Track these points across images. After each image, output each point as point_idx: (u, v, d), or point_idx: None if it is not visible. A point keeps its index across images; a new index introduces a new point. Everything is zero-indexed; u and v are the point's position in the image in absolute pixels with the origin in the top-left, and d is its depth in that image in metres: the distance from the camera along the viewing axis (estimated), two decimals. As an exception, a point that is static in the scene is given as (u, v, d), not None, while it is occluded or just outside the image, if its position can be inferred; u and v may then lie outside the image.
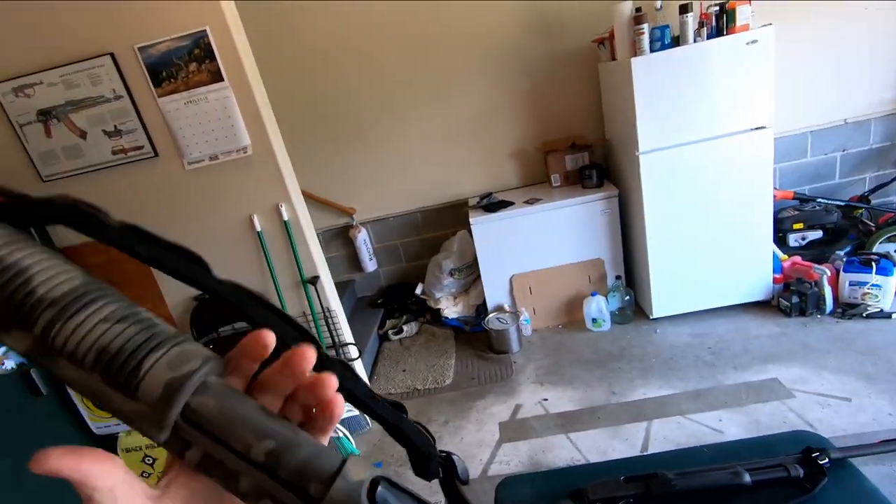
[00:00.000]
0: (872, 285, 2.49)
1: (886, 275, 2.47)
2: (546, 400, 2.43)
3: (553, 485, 1.14)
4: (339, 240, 3.56)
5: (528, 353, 2.86)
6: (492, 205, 2.98)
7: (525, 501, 1.12)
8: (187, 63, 2.08)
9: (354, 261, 3.56)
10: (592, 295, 2.88)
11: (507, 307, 3.07)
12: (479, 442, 2.25)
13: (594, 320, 2.90)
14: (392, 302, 3.52)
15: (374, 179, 3.40)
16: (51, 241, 2.29)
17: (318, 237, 3.49)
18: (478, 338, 3.09)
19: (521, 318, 2.97)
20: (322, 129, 3.28)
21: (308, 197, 3.21)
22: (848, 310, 2.54)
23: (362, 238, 3.42)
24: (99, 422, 2.14)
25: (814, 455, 1.02)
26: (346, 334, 2.50)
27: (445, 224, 3.47)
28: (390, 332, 3.30)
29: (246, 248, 2.28)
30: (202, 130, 2.14)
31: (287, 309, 2.32)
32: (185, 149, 2.15)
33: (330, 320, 2.38)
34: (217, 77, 2.07)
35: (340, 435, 2.31)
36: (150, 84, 2.09)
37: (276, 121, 2.26)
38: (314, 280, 2.30)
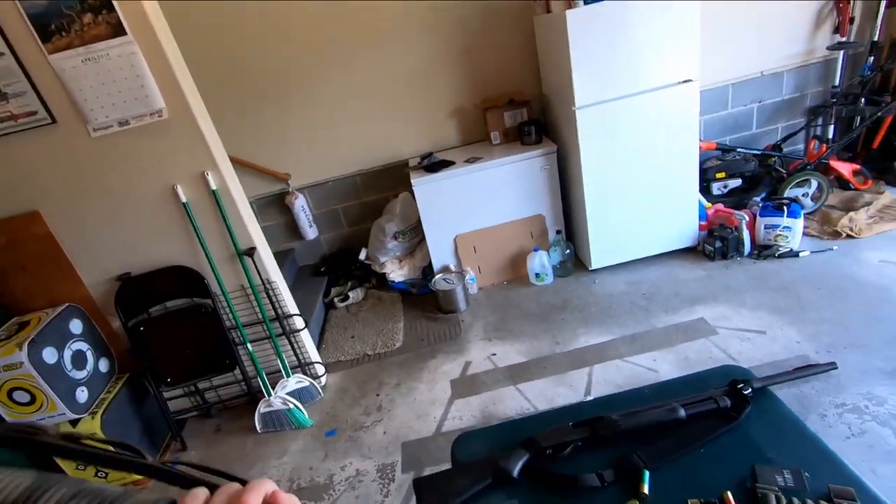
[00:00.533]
0: (784, 227, 2.71)
1: (795, 217, 2.70)
2: (495, 355, 2.50)
3: (506, 436, 1.18)
4: (276, 207, 3.39)
5: (475, 311, 2.91)
6: (433, 165, 2.93)
7: (480, 454, 1.15)
8: (80, 14, 1.82)
9: (293, 229, 3.42)
10: (535, 250, 2.95)
11: (452, 267, 3.08)
12: (431, 400, 2.29)
13: (537, 275, 2.99)
14: (336, 269, 3.44)
15: (308, 143, 3.23)
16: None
17: (252, 206, 3.31)
18: (425, 299, 3.10)
19: (467, 277, 3.00)
20: (248, 93, 3.05)
21: (238, 164, 3.02)
22: (763, 251, 2.77)
23: (300, 204, 3.27)
24: (16, 417, 1.97)
25: (739, 387, 1.11)
26: (290, 305, 2.42)
27: (386, 186, 3.39)
28: (336, 299, 3.24)
29: (171, 221, 2.11)
30: (107, 92, 1.91)
31: (224, 283, 2.20)
32: (88, 113, 1.92)
33: (271, 292, 2.29)
34: (118, 30, 1.84)
35: (291, 406, 2.28)
36: (38, 39, 1.82)
37: (196, 84, 2.05)
38: (250, 251, 2.19)
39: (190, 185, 2.06)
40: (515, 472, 1.05)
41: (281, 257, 3.33)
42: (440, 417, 2.18)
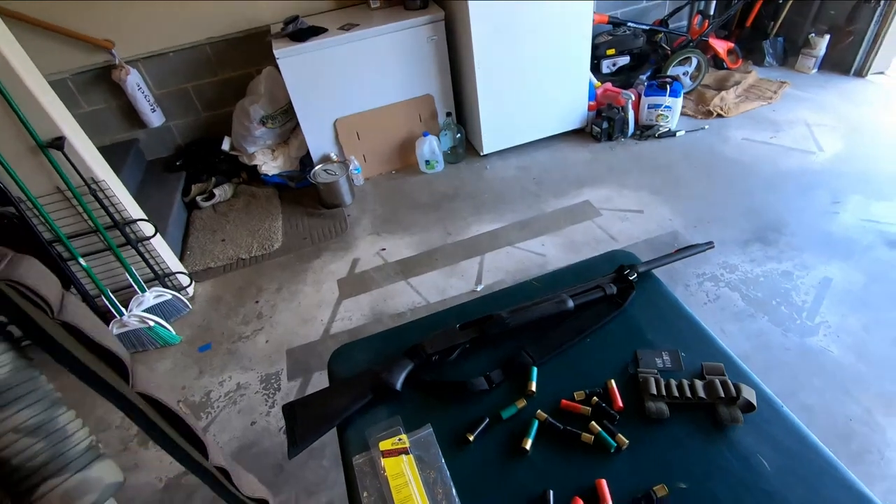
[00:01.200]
0: (665, 107, 2.75)
1: (676, 96, 2.74)
2: (384, 250, 2.36)
3: (388, 345, 1.06)
4: (103, 86, 2.69)
5: (361, 204, 2.69)
6: (300, 31, 2.44)
7: (360, 366, 1.03)
8: None
9: (132, 114, 2.78)
10: (424, 135, 2.71)
11: (334, 157, 2.76)
12: (318, 303, 2.13)
13: (427, 162, 2.79)
14: (195, 163, 2.92)
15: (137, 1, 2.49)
16: None
17: (68, 84, 2.60)
18: (305, 193, 2.79)
19: (351, 167, 2.72)
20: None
21: (26, 22, 2.27)
22: (645, 131, 2.82)
23: (133, 82, 2.62)
24: None
25: (625, 273, 1.08)
26: (132, 209, 2.00)
27: (247, 60, 2.82)
28: (199, 198, 2.79)
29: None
30: None
31: (25, 186, 1.72)
32: None
33: (100, 194, 1.84)
34: None
35: (152, 324, 1.99)
36: None
37: None
38: (58, 143, 1.69)
39: (-64, 48, 1.46)
40: (398, 385, 0.95)
41: (120, 150, 2.74)
42: (328, 319, 2.05)
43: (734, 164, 2.52)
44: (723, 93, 2.98)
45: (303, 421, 0.93)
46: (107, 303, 1.97)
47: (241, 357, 1.96)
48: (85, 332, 0.25)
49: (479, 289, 2.06)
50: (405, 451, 0.85)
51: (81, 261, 1.89)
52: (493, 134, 2.77)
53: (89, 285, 1.98)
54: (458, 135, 2.80)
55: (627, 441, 0.81)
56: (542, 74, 2.61)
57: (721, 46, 3.19)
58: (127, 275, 2.00)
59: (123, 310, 1.98)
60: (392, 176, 2.88)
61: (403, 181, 2.81)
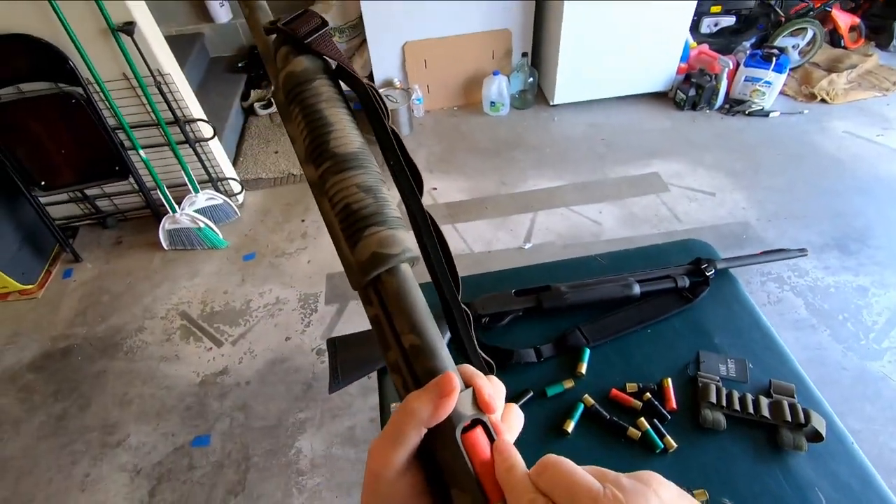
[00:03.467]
0: (765, 82, 2.47)
1: (780, 72, 2.45)
2: (435, 189, 2.29)
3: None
4: (173, -28, 2.60)
5: (419, 138, 2.59)
6: (383, -61, 2.25)
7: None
8: None
9: (200, 5, 2.70)
10: (494, 74, 2.55)
11: (398, 82, 2.64)
12: (362, 232, 2.12)
13: (492, 103, 2.64)
14: (258, 66, 2.85)
15: None
16: None
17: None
18: (363, 116, 2.70)
19: (414, 96, 2.60)
20: None
21: None
22: (734, 105, 2.57)
23: (205, -28, 2.52)
24: None
25: (702, 266, 0.99)
26: (193, 107, 1.98)
27: (322, -37, 2.65)
28: (257, 104, 2.75)
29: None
30: None
31: (94, 68, 1.70)
32: None
33: (164, 87, 1.81)
34: None
35: (201, 225, 2.02)
36: None
37: None
38: (128, 27, 1.64)
39: None
40: (445, 341, 0.93)
41: (185, 42, 2.69)
42: (370, 251, 2.04)
43: (828, 159, 2.28)
44: (833, 75, 2.65)
45: (345, 358, 0.92)
46: (161, 197, 2.00)
47: (283, 273, 1.99)
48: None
49: (526, 247, 2.00)
50: (444, 410, 0.84)
51: (141, 152, 1.90)
52: (568, 84, 2.57)
53: (146, 178, 2.01)
54: (531, 79, 2.61)
55: (676, 445, 0.77)
56: (634, 26, 2.36)
57: (844, 20, 2.80)
58: (182, 173, 2.02)
59: (176, 206, 2.02)
60: (454, 112, 2.75)
61: (465, 120, 2.68)
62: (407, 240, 0.28)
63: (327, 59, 0.34)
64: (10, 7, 1.56)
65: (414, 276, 0.29)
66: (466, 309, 0.36)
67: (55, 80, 1.74)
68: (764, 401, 0.81)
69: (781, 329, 1.67)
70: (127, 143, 1.91)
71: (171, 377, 1.69)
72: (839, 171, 2.21)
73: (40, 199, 1.97)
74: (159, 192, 2.00)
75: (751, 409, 0.80)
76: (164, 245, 2.09)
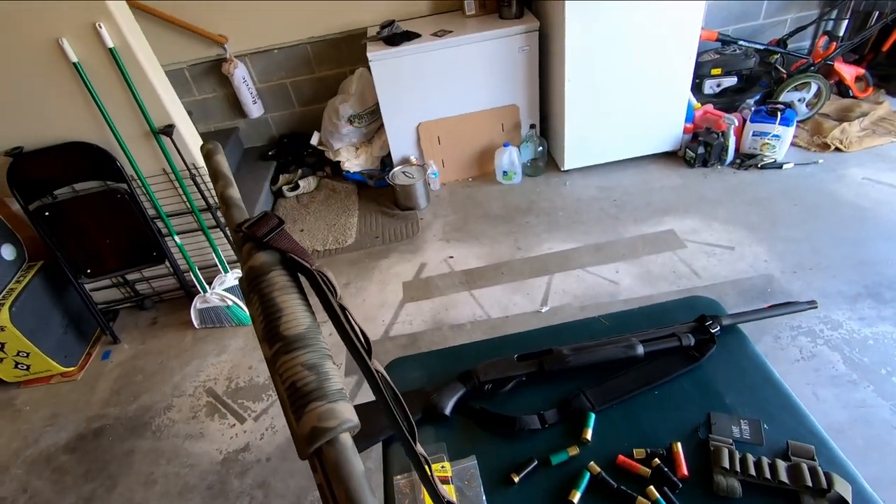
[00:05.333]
0: (773, 136, 2.51)
1: (787, 125, 2.49)
2: (452, 257, 2.35)
3: (444, 363, 1.05)
4: (213, 77, 2.92)
5: (435, 209, 2.70)
6: (394, 36, 2.50)
7: (414, 381, 1.03)
8: None
9: (235, 104, 2.99)
10: (505, 146, 2.68)
11: (414, 159, 2.80)
12: (381, 303, 2.17)
13: (505, 173, 2.75)
14: (286, 154, 3.10)
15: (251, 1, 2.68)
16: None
17: (184, 73, 2.84)
18: (383, 193, 2.85)
19: (429, 171, 2.75)
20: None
21: (152, 14, 2.51)
22: (746, 160, 2.59)
23: (240, 75, 2.82)
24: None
25: (707, 324, 0.98)
26: (225, 194, 2.15)
27: (342, 60, 2.94)
28: (285, 188, 2.95)
29: (63, 86, 1.72)
30: None
31: (138, 165, 1.89)
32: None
33: (198, 178, 1.99)
34: None
35: (230, 303, 2.12)
36: None
37: None
38: (168, 129, 1.85)
39: (79, 40, 1.64)
40: (448, 410, 0.93)
41: (222, 136, 2.96)
42: (389, 321, 2.08)
43: (849, 207, 2.24)
44: (845, 124, 2.66)
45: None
46: (193, 278, 2.13)
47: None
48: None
49: (543, 310, 1.99)
50: (447, 481, 0.83)
51: (176, 238, 2.06)
52: (577, 150, 2.67)
53: (180, 261, 2.16)
54: (540, 147, 2.73)
55: (688, 516, 0.73)
56: (637, 92, 2.47)
57: (848, 72, 2.85)
58: (213, 255, 2.16)
59: (207, 287, 2.14)
60: (468, 183, 2.87)
61: (479, 190, 2.79)
62: (346, 412, 0.32)
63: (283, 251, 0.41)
64: (69, 117, 1.79)
65: (354, 445, 0.32)
66: (423, 453, 0.43)
67: (104, 179, 1.94)
68: (781, 464, 0.77)
69: (819, 387, 1.58)
70: (164, 230, 2.07)
71: (195, 455, 1.71)
72: (861, 218, 2.16)
73: (86, 285, 2.13)
74: (192, 274, 2.13)
75: (767, 474, 0.76)
76: (196, 324, 2.19)
